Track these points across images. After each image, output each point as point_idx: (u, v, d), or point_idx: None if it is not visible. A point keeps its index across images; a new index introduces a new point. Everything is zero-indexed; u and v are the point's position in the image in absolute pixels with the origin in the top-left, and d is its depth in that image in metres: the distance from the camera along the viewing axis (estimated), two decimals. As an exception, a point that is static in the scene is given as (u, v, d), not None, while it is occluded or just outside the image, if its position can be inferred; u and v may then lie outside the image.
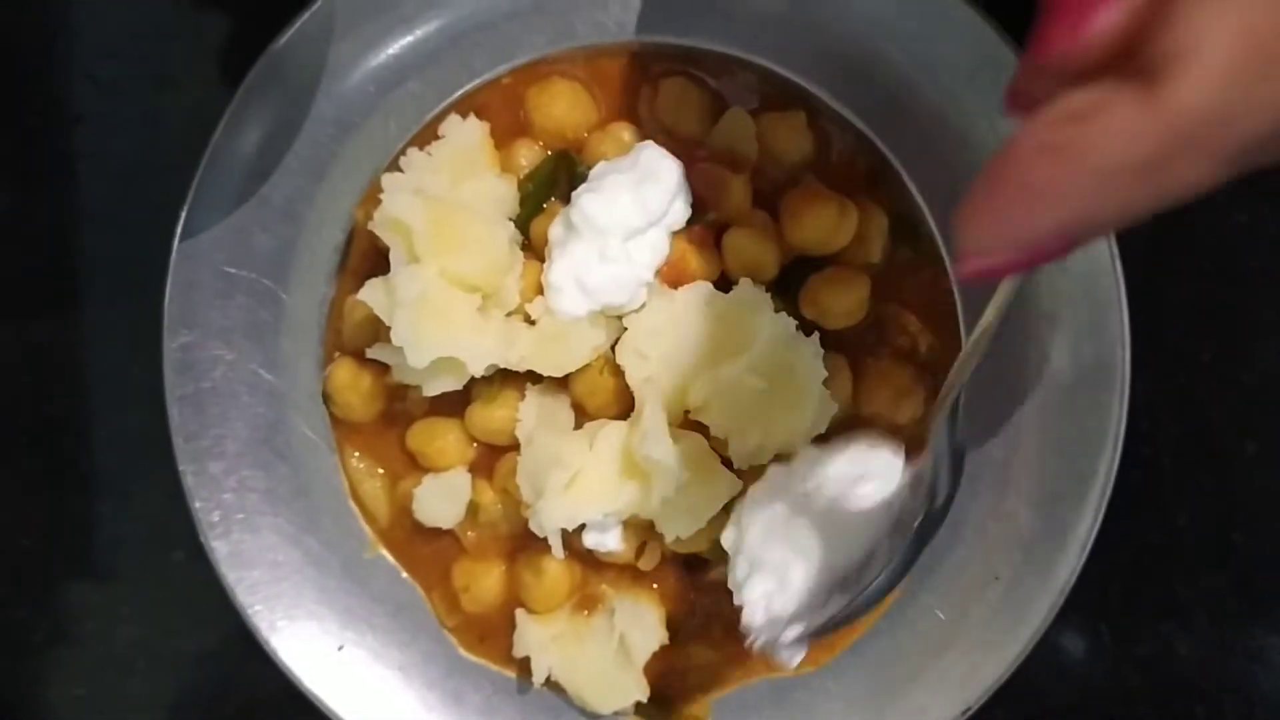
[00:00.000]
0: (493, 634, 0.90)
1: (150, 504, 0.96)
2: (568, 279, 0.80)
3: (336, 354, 0.89)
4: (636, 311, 0.82)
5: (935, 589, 0.88)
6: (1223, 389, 0.94)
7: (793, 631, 0.71)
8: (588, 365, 0.83)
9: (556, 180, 0.86)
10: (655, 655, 0.88)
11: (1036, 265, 0.48)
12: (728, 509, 0.83)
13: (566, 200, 0.83)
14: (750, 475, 0.83)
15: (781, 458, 0.82)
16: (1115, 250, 0.82)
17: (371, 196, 0.86)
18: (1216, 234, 0.93)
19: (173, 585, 0.97)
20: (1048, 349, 0.85)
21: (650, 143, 0.83)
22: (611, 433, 0.82)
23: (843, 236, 0.84)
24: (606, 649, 0.86)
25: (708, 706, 0.90)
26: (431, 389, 0.83)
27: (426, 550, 0.90)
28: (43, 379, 0.97)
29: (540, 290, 0.83)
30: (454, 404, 0.86)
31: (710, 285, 0.83)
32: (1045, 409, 0.86)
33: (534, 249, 0.85)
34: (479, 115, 0.86)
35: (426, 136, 0.86)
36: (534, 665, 0.85)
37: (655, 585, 0.89)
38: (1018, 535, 0.86)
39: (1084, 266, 0.83)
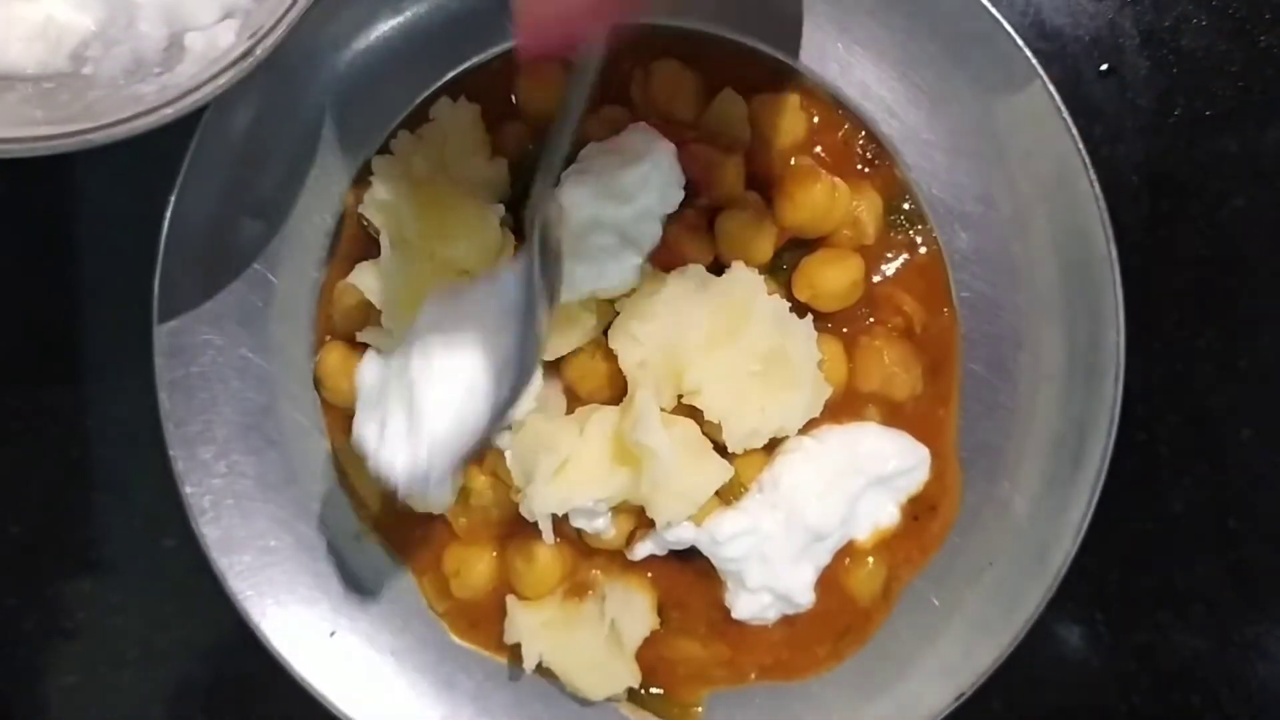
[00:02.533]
0: (484, 620, 0.90)
1: (142, 492, 0.96)
2: (557, 260, 0.80)
3: (327, 338, 0.89)
4: (629, 295, 0.82)
5: (930, 575, 0.89)
6: (1219, 375, 0.94)
7: (437, 471, 0.70)
8: (580, 349, 0.83)
9: (548, 163, 0.85)
10: (647, 644, 0.88)
11: (578, 40, 0.61)
12: (719, 494, 0.83)
13: (558, 183, 0.83)
14: (744, 459, 0.83)
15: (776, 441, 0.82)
16: (1110, 234, 0.82)
17: (362, 180, 0.86)
18: (1213, 220, 0.93)
19: (165, 573, 0.96)
20: (1042, 333, 0.86)
21: (641, 124, 0.83)
22: (603, 418, 0.82)
23: (835, 217, 0.84)
24: (597, 635, 0.86)
25: (701, 696, 0.90)
26: (422, 373, 0.83)
27: (417, 535, 0.90)
28: (32, 366, 0.97)
29: (532, 274, 0.82)
30: (445, 389, 0.86)
31: (703, 268, 0.83)
32: (1039, 394, 0.86)
33: (525, 232, 0.85)
34: (470, 98, 0.86)
35: (417, 119, 0.86)
36: (525, 651, 0.85)
37: (647, 572, 0.88)
38: (1012, 521, 0.87)
39: (1079, 251, 0.83)
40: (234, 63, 0.66)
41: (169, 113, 0.65)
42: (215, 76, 0.66)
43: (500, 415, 0.69)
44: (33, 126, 0.65)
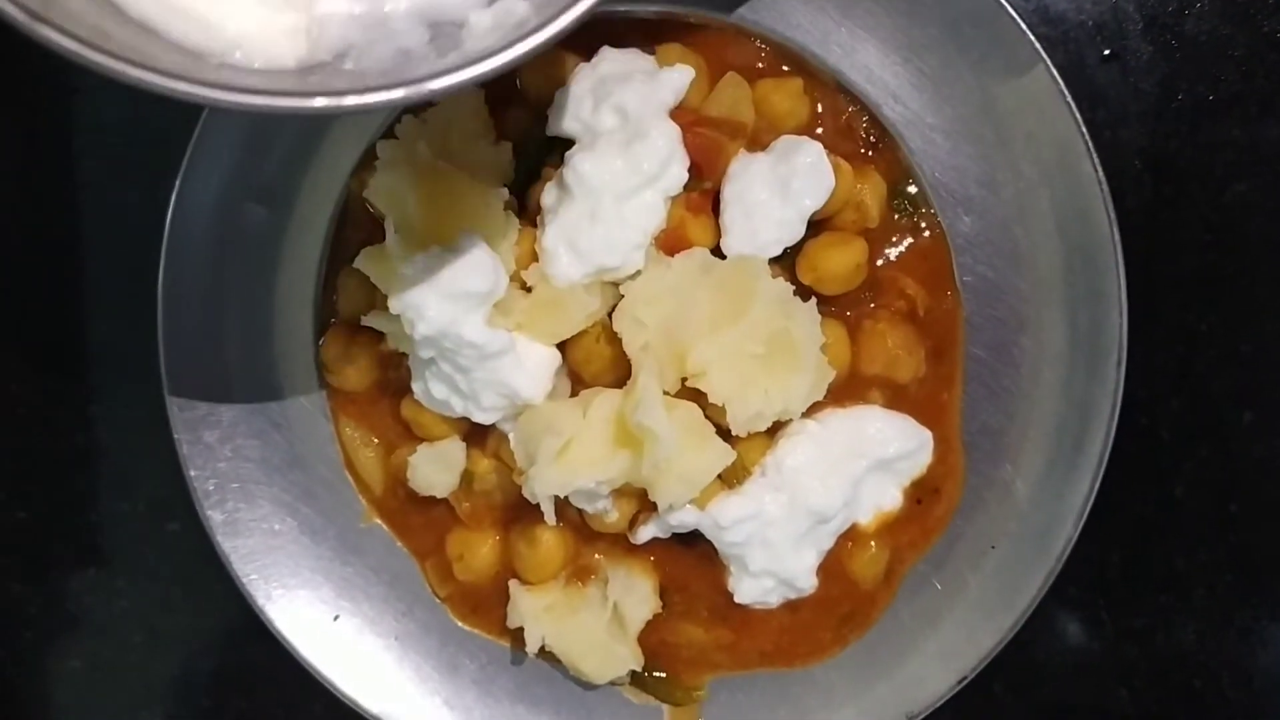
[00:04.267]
0: (487, 604, 0.90)
1: (146, 477, 0.96)
2: (560, 242, 0.80)
3: (331, 322, 0.89)
4: (633, 278, 0.82)
5: (932, 559, 0.89)
6: (1221, 359, 0.94)
7: None
8: (584, 332, 0.83)
9: (552, 147, 0.85)
10: (649, 628, 0.88)
11: None
12: (722, 477, 0.83)
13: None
14: (747, 442, 0.83)
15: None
16: (1113, 219, 0.82)
17: (366, 164, 0.86)
18: (1216, 205, 0.93)
19: (170, 558, 0.97)
20: (1044, 317, 0.86)
21: (648, 105, 0.82)
22: (606, 400, 0.82)
23: (839, 200, 0.84)
24: (600, 619, 0.86)
25: (703, 680, 0.91)
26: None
27: (421, 520, 0.91)
28: (37, 352, 0.97)
29: (536, 257, 0.82)
30: (449, 372, 0.86)
31: (707, 252, 0.83)
32: (1041, 377, 0.86)
33: (529, 216, 0.85)
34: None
35: (422, 103, 0.86)
36: (528, 635, 0.86)
37: (649, 556, 0.89)
38: (1014, 505, 0.87)
39: (1082, 235, 0.83)
40: (531, 32, 0.61)
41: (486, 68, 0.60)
42: (512, 45, 0.60)
43: None
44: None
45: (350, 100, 0.60)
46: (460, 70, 0.61)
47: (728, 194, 0.82)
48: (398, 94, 0.60)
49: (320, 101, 0.59)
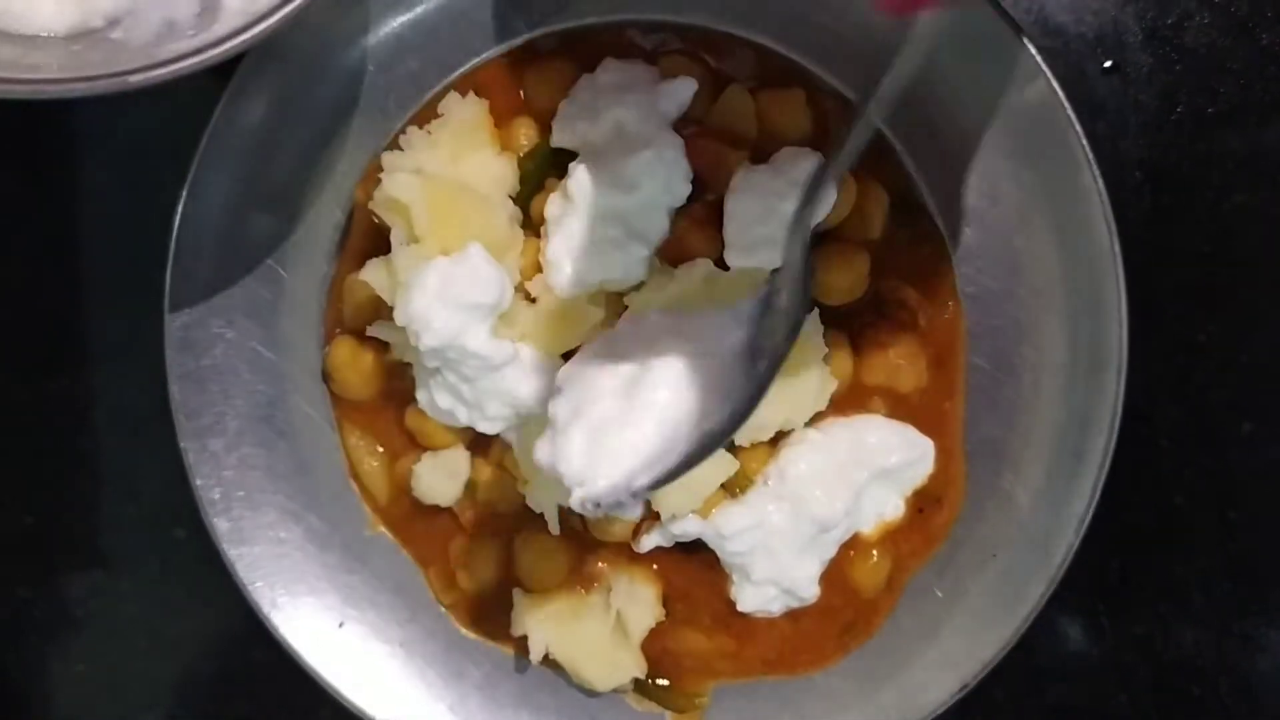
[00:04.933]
0: (490, 612, 0.90)
1: (152, 483, 0.96)
2: (565, 254, 0.80)
3: (337, 332, 0.90)
4: (636, 289, 0.82)
5: (934, 567, 0.89)
6: (1220, 369, 0.94)
7: (638, 495, 0.69)
8: (587, 343, 0.83)
9: (556, 158, 0.85)
10: (652, 635, 0.89)
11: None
12: (724, 486, 0.83)
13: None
14: (749, 451, 0.84)
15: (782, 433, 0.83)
16: (1113, 229, 0.82)
17: (371, 175, 0.86)
18: (1215, 216, 0.93)
19: (174, 563, 0.97)
20: (1045, 327, 0.86)
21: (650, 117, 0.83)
22: (609, 410, 0.82)
23: (842, 212, 0.84)
24: (603, 626, 0.87)
25: (706, 687, 0.91)
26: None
27: (425, 528, 0.91)
28: (43, 358, 0.97)
29: (540, 268, 0.83)
30: (453, 382, 0.86)
31: (710, 263, 0.83)
32: (1042, 387, 0.86)
33: (534, 227, 0.85)
34: (478, 93, 0.86)
35: (426, 115, 0.87)
36: (531, 643, 0.86)
37: (652, 564, 0.89)
38: (1015, 514, 0.87)
39: (1082, 246, 0.84)
40: (271, 10, 0.63)
41: (211, 55, 0.63)
42: (252, 25, 0.64)
43: (707, 449, 0.68)
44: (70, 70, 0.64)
45: (52, 88, 0.62)
46: (175, 63, 0.63)
47: (730, 205, 0.83)
48: (99, 85, 0.62)
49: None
